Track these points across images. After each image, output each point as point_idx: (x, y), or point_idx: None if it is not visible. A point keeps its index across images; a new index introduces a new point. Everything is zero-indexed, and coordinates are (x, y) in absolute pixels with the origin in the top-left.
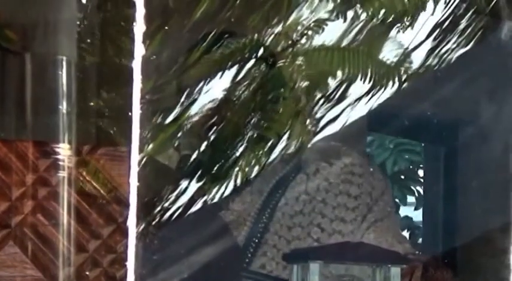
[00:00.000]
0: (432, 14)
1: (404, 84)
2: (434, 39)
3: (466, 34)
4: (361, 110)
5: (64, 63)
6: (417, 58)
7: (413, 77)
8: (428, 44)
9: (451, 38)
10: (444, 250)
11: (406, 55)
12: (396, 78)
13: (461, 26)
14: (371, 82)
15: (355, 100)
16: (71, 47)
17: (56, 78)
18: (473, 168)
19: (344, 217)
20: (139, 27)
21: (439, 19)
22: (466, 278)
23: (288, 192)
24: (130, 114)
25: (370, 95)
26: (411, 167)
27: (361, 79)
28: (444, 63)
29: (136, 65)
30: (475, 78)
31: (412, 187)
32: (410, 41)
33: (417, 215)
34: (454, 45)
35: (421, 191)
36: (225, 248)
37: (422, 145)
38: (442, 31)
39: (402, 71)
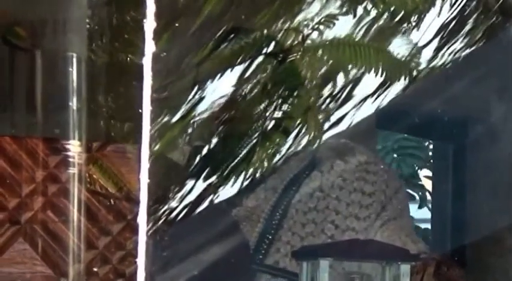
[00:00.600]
0: (440, 12)
1: (415, 81)
2: (443, 37)
3: (475, 32)
4: (372, 106)
5: (74, 60)
6: (426, 56)
7: (422, 74)
8: (437, 42)
9: (460, 36)
10: (453, 248)
11: (416, 51)
12: (407, 73)
13: (470, 24)
14: (383, 76)
15: (368, 95)
16: (81, 44)
17: (66, 75)
18: (482, 166)
19: (358, 214)
20: (149, 24)
21: (448, 17)
22: (475, 277)
23: (302, 189)
24: (140, 111)
25: (382, 90)
26: (415, 167)
27: (374, 73)
28: (453, 61)
29: (147, 62)
30: (484, 76)
31: (416, 184)
32: (419, 39)
33: (421, 214)
34: (463, 44)
35: (425, 190)
36: (234, 245)
37: (431, 142)
38: (450, 30)
39: (413, 66)
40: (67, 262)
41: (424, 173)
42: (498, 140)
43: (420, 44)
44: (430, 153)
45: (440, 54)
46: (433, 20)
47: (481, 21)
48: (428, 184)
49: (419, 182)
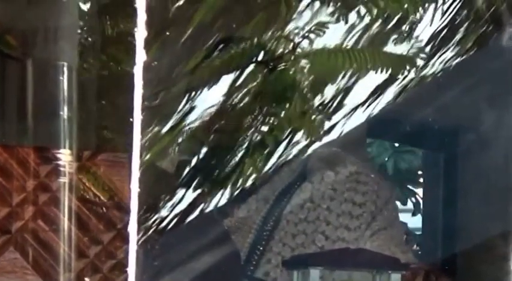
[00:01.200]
0: (431, 22)
1: (406, 90)
2: (434, 46)
3: (466, 40)
4: (363, 115)
5: (65, 69)
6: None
7: (413, 83)
8: (427, 51)
9: (451, 45)
10: (444, 256)
11: (418, 49)
12: (412, 65)
13: (461, 33)
14: (387, 72)
15: (359, 104)
16: (72, 52)
17: (57, 84)
18: (473, 174)
19: (348, 225)
20: (140, 33)
21: (438, 26)
22: None
23: (293, 200)
24: (131, 120)
25: (373, 99)
26: (410, 168)
27: (375, 72)
28: (443, 70)
29: (138, 71)
30: (475, 84)
31: (412, 188)
32: (409, 49)
33: (415, 222)
34: (453, 53)
35: (420, 197)
36: (225, 254)
37: (422, 151)
38: (442, 38)
39: (417, 59)
40: (58, 271)
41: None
42: (489, 148)
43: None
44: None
45: (431, 63)
46: (422, 32)
47: (472, 30)
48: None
49: (413, 189)
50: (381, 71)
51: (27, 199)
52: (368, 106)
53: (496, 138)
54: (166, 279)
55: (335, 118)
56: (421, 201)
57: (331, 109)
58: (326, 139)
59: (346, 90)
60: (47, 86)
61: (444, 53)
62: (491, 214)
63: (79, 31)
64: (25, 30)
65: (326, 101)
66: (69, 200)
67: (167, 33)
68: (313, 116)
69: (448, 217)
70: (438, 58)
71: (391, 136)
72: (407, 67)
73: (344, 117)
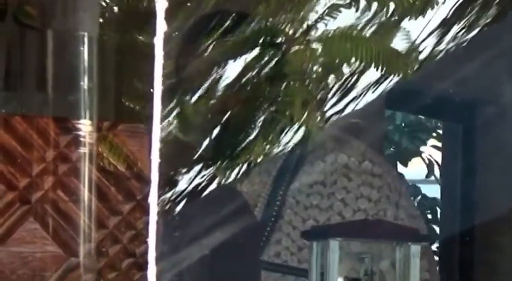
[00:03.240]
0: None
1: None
2: (448, 22)
3: (484, 12)
4: (373, 96)
5: (86, 39)
6: (431, 42)
7: (427, 62)
8: (442, 28)
9: (468, 19)
10: (462, 228)
11: (417, 43)
12: (407, 67)
13: (479, 4)
14: (383, 70)
15: (366, 89)
16: (92, 23)
17: (77, 54)
18: (492, 146)
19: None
20: (161, 4)
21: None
22: (485, 256)
23: (302, 177)
24: (152, 90)
25: (381, 83)
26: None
27: (374, 67)
28: (460, 45)
29: (158, 42)
30: (494, 57)
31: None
32: (423, 28)
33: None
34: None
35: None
36: (244, 225)
37: (440, 123)
38: (459, 10)
39: (413, 59)
40: (77, 241)
41: (431, 142)
42: (508, 120)
43: (424, 32)
44: (440, 131)
45: (443, 41)
46: (437, 11)
47: (491, 2)
48: (435, 154)
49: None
50: (381, 68)
51: (47, 170)
52: (377, 88)
53: None
54: (186, 250)
55: (345, 100)
56: (434, 163)
57: (342, 91)
58: (341, 114)
59: (359, 72)
60: (67, 57)
61: (462, 26)
62: (510, 186)
63: (99, 1)
64: (44, 0)
65: (338, 84)
66: (88, 171)
67: (188, 4)
68: (315, 107)
69: (468, 189)
70: (456, 32)
71: (410, 108)
72: (403, 68)
73: (353, 99)
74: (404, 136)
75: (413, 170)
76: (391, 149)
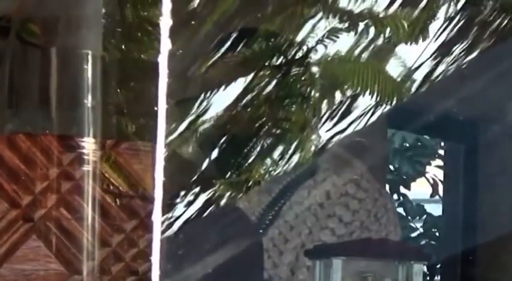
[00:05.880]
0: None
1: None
2: (447, 44)
3: (488, 32)
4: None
5: (89, 57)
6: (429, 65)
7: (426, 85)
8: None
9: (470, 37)
10: (466, 247)
11: (413, 68)
12: (400, 94)
13: (479, 24)
14: (378, 97)
15: (361, 115)
16: (96, 41)
17: (80, 72)
18: (494, 166)
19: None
20: (165, 22)
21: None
22: (490, 275)
23: (295, 196)
24: (156, 108)
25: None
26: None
27: (369, 94)
28: (465, 63)
29: (163, 60)
30: (498, 76)
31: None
32: (423, 50)
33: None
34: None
35: (437, 178)
36: (248, 245)
37: (442, 143)
38: (461, 31)
39: (407, 87)
40: (80, 259)
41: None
42: (509, 140)
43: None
44: (441, 151)
45: (443, 63)
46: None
47: (496, 21)
48: (438, 173)
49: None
50: (376, 94)
51: (50, 187)
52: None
53: None
54: (189, 268)
55: (341, 125)
56: (439, 182)
57: (337, 116)
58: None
59: (353, 98)
60: (71, 75)
61: (465, 46)
62: None
63: (103, 19)
64: (48, 19)
65: (333, 109)
66: (92, 189)
67: (192, 22)
68: (312, 133)
69: (470, 207)
70: (460, 52)
71: (412, 127)
72: (395, 95)
73: (350, 124)
74: (404, 160)
75: (418, 189)
76: (393, 174)
